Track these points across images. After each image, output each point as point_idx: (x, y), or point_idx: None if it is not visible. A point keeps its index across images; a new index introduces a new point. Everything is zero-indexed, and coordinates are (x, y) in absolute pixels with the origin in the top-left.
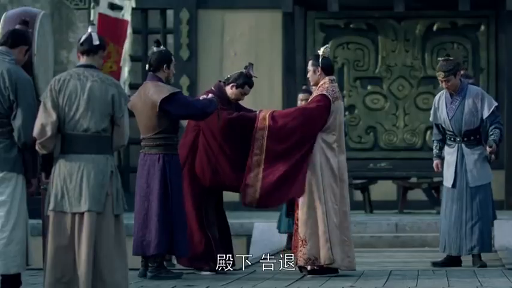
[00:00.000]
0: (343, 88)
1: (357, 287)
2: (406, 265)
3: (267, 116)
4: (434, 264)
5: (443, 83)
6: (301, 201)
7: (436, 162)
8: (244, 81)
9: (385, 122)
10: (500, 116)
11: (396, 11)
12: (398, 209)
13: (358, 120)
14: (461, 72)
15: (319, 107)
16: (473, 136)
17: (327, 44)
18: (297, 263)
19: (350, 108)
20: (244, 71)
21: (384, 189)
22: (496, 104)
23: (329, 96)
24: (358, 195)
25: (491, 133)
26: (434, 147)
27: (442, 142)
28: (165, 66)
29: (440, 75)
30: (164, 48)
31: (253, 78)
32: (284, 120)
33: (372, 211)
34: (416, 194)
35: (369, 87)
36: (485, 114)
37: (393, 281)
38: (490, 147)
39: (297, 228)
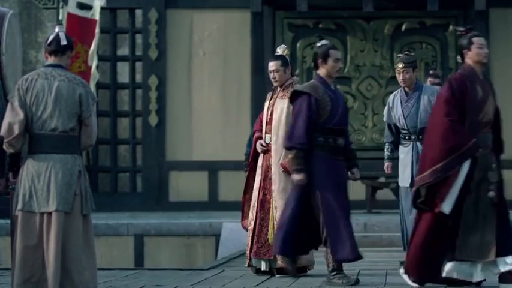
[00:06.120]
0: None
1: (326, 286)
2: (375, 265)
3: None
4: (403, 263)
5: (401, 74)
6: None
7: (387, 164)
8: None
9: (354, 122)
10: None
11: (365, 11)
12: (367, 208)
13: None
14: (431, 72)
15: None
16: None
17: (296, 43)
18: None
19: None
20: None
21: (352, 189)
22: None
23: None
24: None
25: None
26: (386, 150)
27: (394, 144)
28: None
29: (399, 65)
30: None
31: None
32: None
33: None
34: (385, 194)
35: (337, 87)
36: None
37: (361, 281)
38: None
39: (260, 232)
